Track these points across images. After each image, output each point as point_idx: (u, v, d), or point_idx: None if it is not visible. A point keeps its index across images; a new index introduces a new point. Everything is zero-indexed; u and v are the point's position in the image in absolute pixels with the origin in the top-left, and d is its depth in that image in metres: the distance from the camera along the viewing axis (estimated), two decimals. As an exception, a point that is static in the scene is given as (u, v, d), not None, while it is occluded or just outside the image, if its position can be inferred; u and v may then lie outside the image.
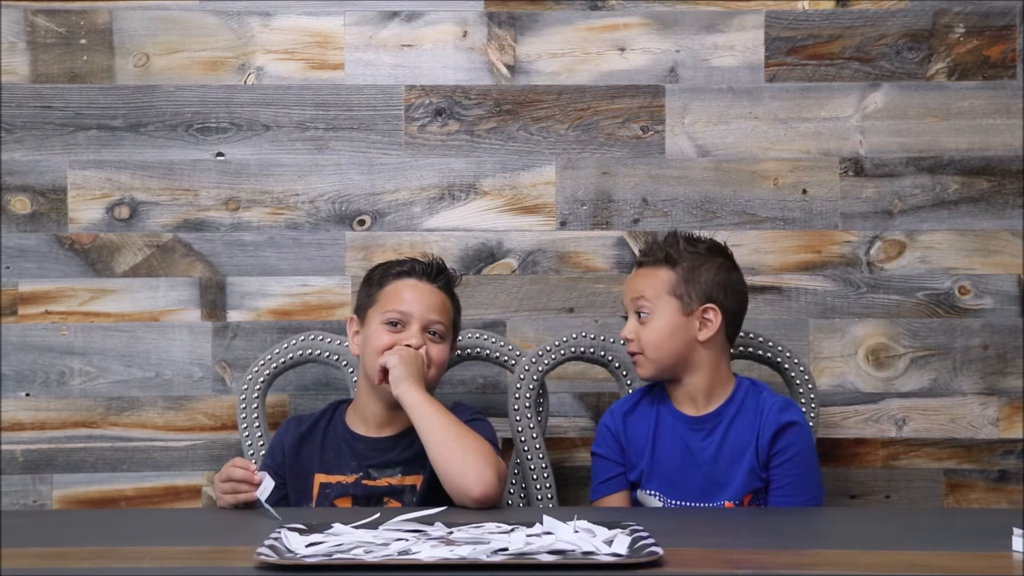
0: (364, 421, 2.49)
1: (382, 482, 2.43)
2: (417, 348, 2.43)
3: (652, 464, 2.51)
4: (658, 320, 2.49)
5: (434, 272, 2.52)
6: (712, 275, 2.52)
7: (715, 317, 2.50)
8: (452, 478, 2.28)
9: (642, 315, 2.50)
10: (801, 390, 2.67)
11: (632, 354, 2.52)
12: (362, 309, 2.52)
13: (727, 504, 2.45)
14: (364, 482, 2.43)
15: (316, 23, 2.90)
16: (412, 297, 2.48)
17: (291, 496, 2.47)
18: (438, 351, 2.47)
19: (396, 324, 2.45)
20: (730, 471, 2.47)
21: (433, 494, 2.36)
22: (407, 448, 2.44)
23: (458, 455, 2.29)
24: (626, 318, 2.55)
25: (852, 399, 2.90)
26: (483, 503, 2.25)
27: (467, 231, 2.90)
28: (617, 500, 2.55)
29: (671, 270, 2.51)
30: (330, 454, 2.47)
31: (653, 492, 2.50)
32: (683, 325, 2.49)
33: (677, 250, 2.52)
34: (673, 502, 2.48)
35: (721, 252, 2.56)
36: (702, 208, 2.90)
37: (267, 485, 2.20)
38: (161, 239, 2.89)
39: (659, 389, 2.57)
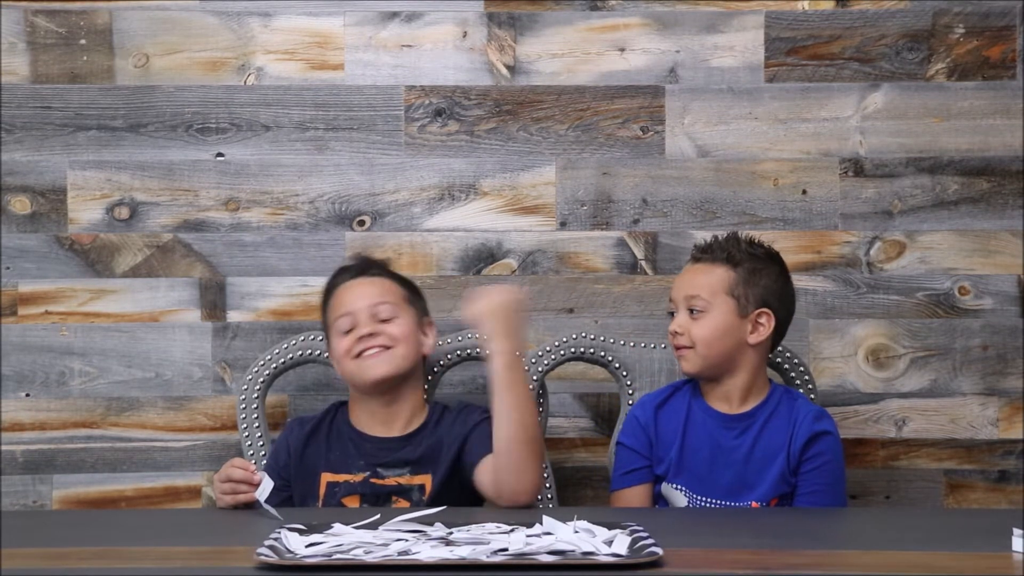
0: (369, 420, 2.50)
1: (391, 481, 2.43)
2: (373, 333, 2.45)
3: (680, 458, 2.50)
4: (712, 318, 2.48)
5: (361, 266, 2.57)
6: (770, 281, 2.53)
7: (768, 322, 2.51)
8: (506, 477, 2.30)
9: (695, 311, 2.49)
10: (801, 390, 2.67)
11: (678, 348, 2.51)
12: (326, 331, 2.56)
13: (754, 505, 2.45)
14: (372, 480, 2.43)
15: (316, 23, 2.90)
16: (350, 297, 2.51)
17: (297, 496, 2.47)
18: (395, 329, 2.48)
19: (349, 329, 2.48)
20: (761, 473, 2.47)
21: (443, 493, 2.37)
22: (416, 447, 2.45)
23: (524, 455, 2.31)
24: (672, 314, 2.53)
25: (852, 399, 2.90)
26: (523, 507, 2.29)
27: (467, 231, 2.90)
28: (638, 493, 2.53)
29: (732, 270, 2.51)
30: (336, 453, 2.48)
31: (679, 487, 2.50)
32: (736, 326, 2.49)
33: (739, 251, 2.52)
34: (700, 498, 2.48)
35: (779, 261, 2.57)
36: (702, 208, 2.90)
37: (266, 485, 2.20)
38: (161, 239, 2.89)
39: (692, 384, 2.57)
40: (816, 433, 2.47)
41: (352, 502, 2.42)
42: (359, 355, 2.45)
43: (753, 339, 2.51)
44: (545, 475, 2.63)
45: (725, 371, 2.50)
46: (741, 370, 2.51)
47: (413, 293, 2.58)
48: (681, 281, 2.55)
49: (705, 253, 2.54)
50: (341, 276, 2.57)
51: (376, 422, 2.49)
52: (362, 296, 2.50)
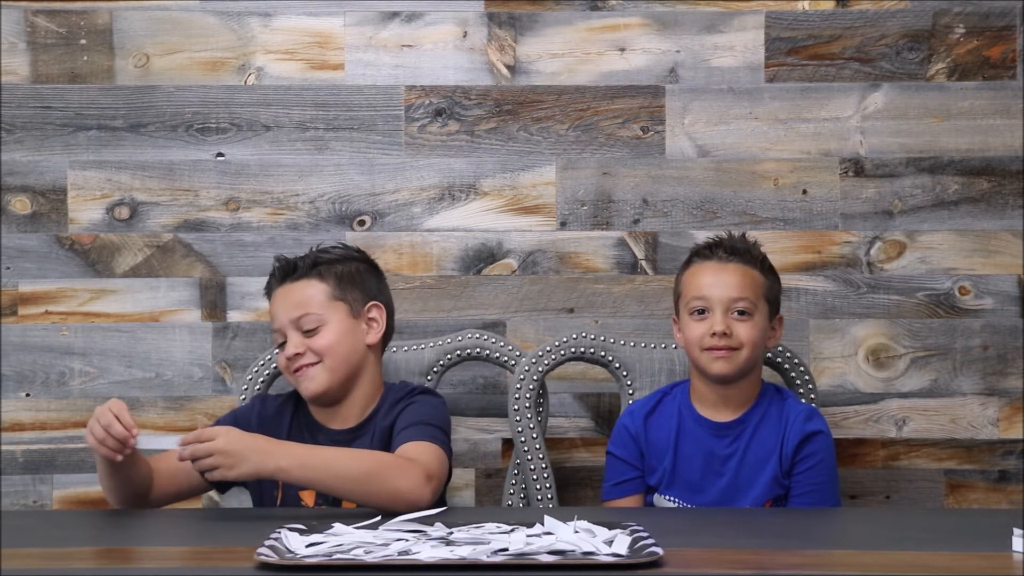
0: (322, 414, 2.45)
1: None
2: (298, 353, 2.37)
3: (674, 470, 2.49)
4: (757, 321, 2.46)
5: (285, 270, 2.43)
6: (778, 285, 2.54)
7: (780, 327, 2.53)
8: (383, 509, 2.16)
9: (742, 313, 2.44)
10: (801, 390, 2.67)
11: (718, 349, 2.44)
12: None
13: None
14: None
15: (316, 23, 2.90)
16: (276, 309, 2.42)
17: (259, 483, 2.42)
18: (319, 342, 2.38)
19: (282, 342, 2.41)
20: (753, 478, 2.45)
21: None
22: (365, 439, 2.39)
23: (372, 490, 2.18)
24: (700, 312, 2.46)
25: (852, 399, 2.90)
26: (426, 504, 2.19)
27: (467, 231, 2.91)
28: (629, 504, 2.51)
29: (761, 274, 2.49)
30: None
31: (672, 498, 2.48)
32: (768, 331, 2.50)
33: (760, 254, 2.51)
34: (693, 508, 2.47)
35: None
36: (702, 208, 2.90)
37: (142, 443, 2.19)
38: (161, 239, 2.90)
39: (679, 390, 2.55)
40: (808, 434, 2.45)
41: (309, 496, 2.38)
42: (295, 371, 2.40)
43: (771, 343, 2.52)
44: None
45: (747, 374, 2.48)
46: (755, 374, 2.50)
47: (341, 280, 2.43)
48: (718, 281, 2.47)
49: (734, 254, 2.49)
50: (270, 283, 2.46)
51: (327, 417, 2.44)
52: (284, 309, 2.40)
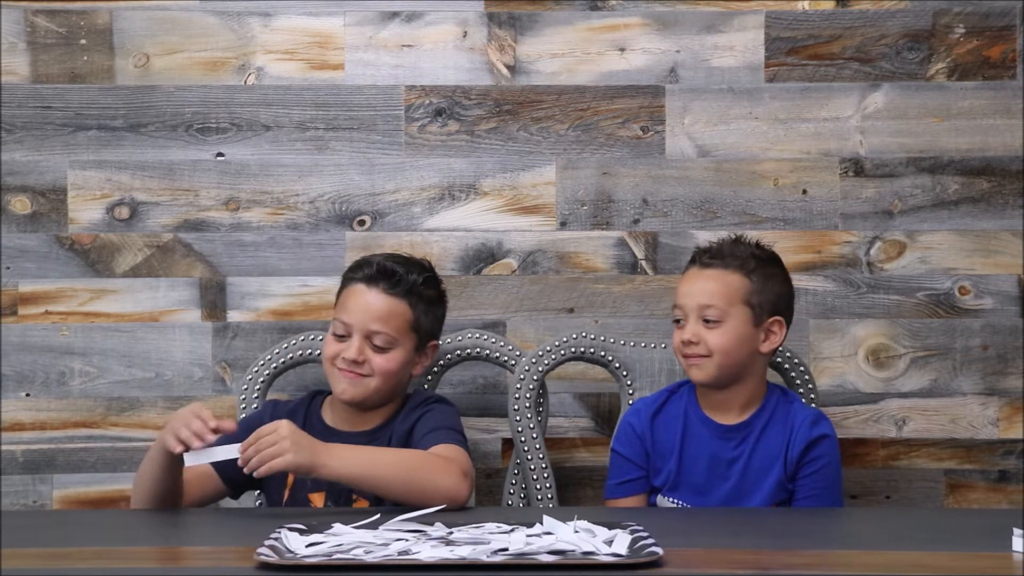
0: (339, 417, 2.47)
1: None
2: (357, 360, 2.39)
3: (679, 472, 2.48)
4: (730, 327, 2.44)
5: (380, 275, 2.44)
6: (781, 288, 2.51)
7: (780, 330, 2.50)
8: (425, 503, 2.18)
9: (711, 321, 2.44)
10: (801, 390, 2.67)
11: (690, 357, 2.45)
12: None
13: None
14: None
15: (316, 23, 2.90)
16: (354, 306, 2.43)
17: (266, 484, 2.43)
18: (381, 361, 2.41)
19: (342, 335, 2.42)
20: (758, 482, 2.45)
21: None
22: (379, 444, 2.41)
23: (418, 487, 2.22)
24: (678, 321, 2.47)
25: (852, 399, 2.90)
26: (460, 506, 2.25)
27: (467, 231, 2.91)
28: (633, 504, 2.51)
29: (745, 277, 2.46)
30: None
31: (676, 501, 2.48)
32: (751, 336, 2.46)
33: (750, 257, 2.48)
34: None
35: (780, 263, 2.55)
36: (702, 208, 2.90)
37: (218, 451, 2.19)
38: (161, 239, 2.90)
39: (686, 390, 2.54)
40: (813, 439, 2.44)
41: (318, 498, 2.39)
42: (342, 370, 2.42)
43: (766, 348, 2.48)
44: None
45: (734, 380, 2.47)
46: (749, 379, 2.49)
47: (425, 314, 2.47)
48: (691, 288, 2.48)
49: (715, 259, 2.48)
50: (361, 271, 2.47)
51: (344, 420, 2.46)
52: (365, 312, 2.42)
